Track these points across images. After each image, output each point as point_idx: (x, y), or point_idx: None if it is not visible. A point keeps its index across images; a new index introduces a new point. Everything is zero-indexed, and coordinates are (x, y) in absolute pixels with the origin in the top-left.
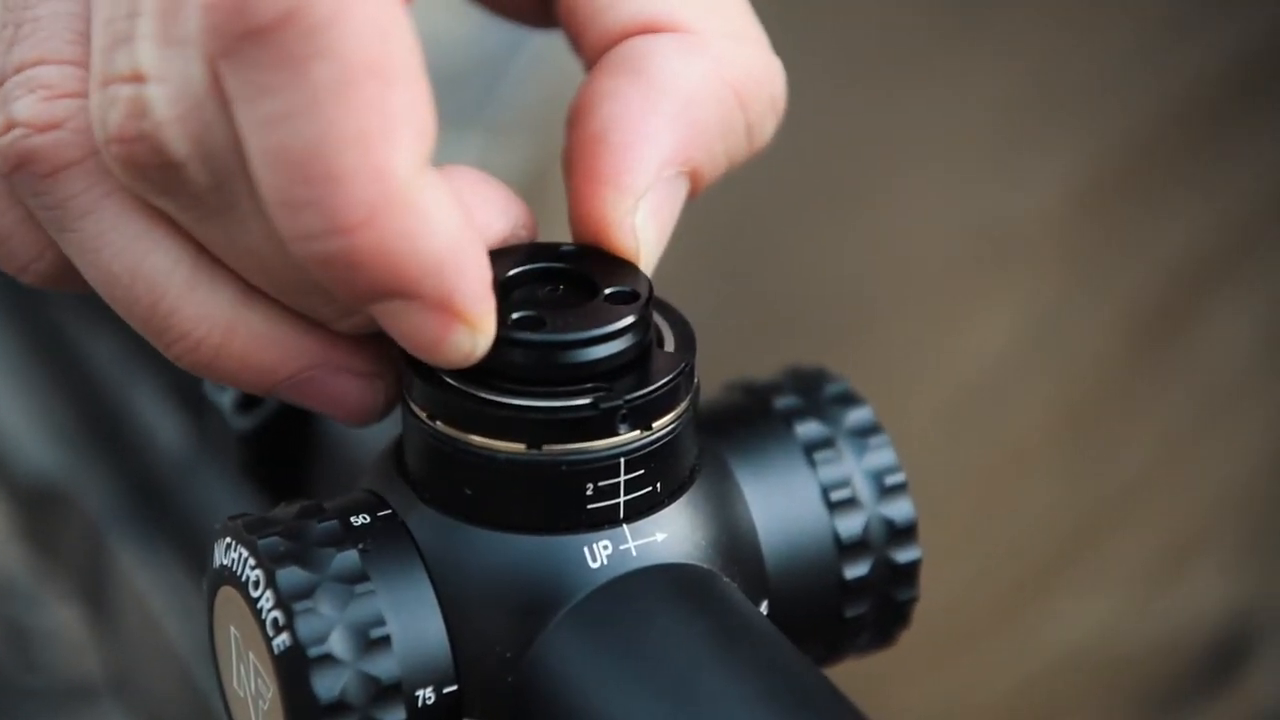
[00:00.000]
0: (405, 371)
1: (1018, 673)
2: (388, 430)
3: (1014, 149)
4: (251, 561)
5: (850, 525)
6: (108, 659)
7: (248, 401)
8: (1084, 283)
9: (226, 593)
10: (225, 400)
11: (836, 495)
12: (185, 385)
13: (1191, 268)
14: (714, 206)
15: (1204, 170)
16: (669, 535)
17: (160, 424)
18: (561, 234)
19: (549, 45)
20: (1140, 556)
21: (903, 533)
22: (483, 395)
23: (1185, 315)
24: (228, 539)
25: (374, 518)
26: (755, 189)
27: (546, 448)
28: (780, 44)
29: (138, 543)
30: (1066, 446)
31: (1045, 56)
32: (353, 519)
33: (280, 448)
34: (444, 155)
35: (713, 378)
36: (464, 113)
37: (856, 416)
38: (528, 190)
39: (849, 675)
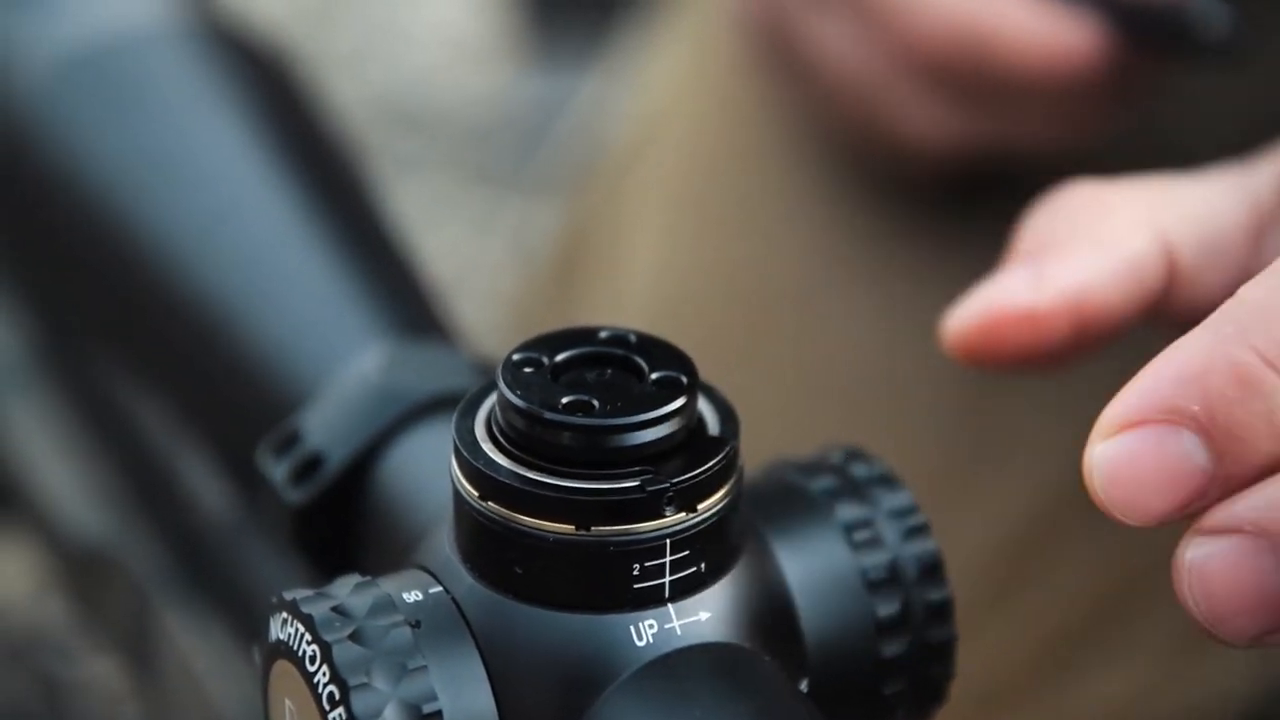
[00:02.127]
0: (455, 456)
1: None
2: (434, 507)
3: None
4: (307, 637)
5: (889, 605)
6: (151, 716)
7: (300, 475)
8: None
9: (282, 666)
10: (279, 473)
11: (875, 575)
12: (231, 454)
13: None
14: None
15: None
16: (713, 614)
17: (206, 490)
18: (596, 296)
19: (589, 108)
20: (1170, 628)
21: (939, 612)
22: (533, 476)
23: None
24: (284, 614)
25: (425, 594)
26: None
27: (595, 529)
28: None
29: (183, 607)
30: (1097, 517)
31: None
32: (405, 595)
33: (332, 522)
34: (483, 212)
35: (753, 456)
36: (502, 171)
37: (895, 499)
38: (564, 254)
39: None
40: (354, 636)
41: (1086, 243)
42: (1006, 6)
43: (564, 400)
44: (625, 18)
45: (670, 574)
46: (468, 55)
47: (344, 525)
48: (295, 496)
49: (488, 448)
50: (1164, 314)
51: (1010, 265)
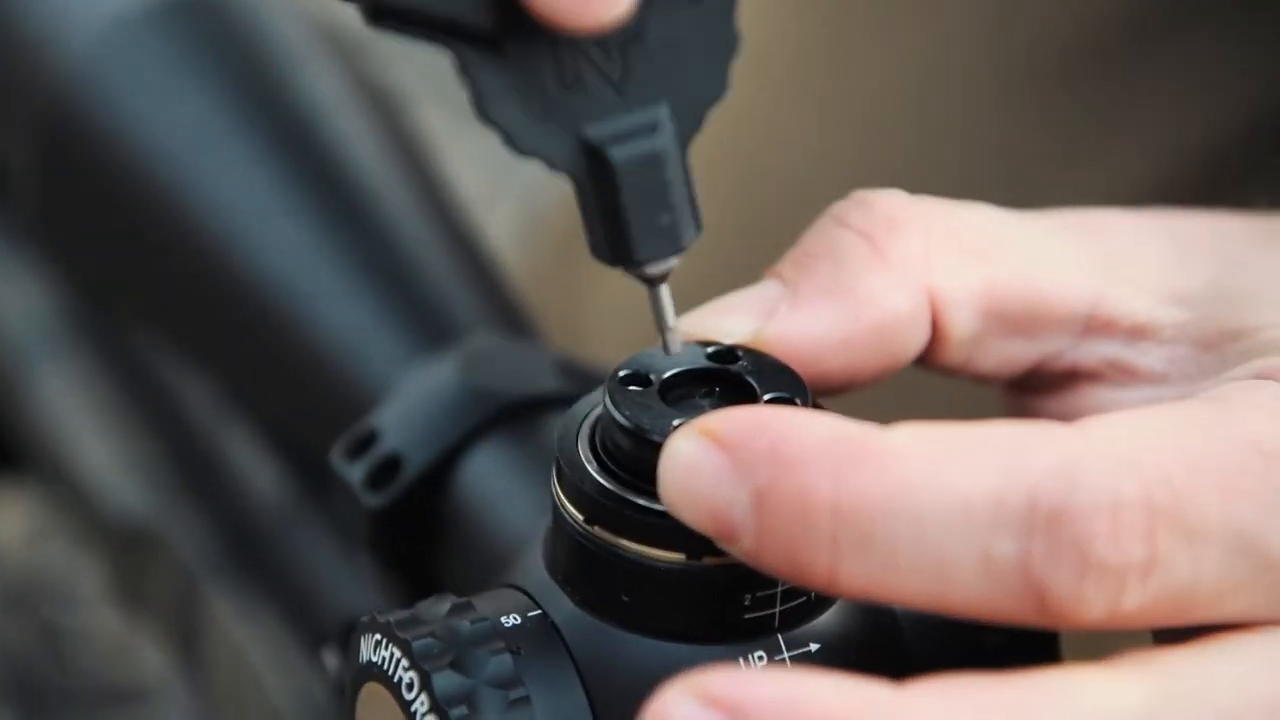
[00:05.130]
0: (557, 476)
1: None
2: (523, 519)
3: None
4: (405, 663)
5: (995, 634)
6: (198, 706)
7: (378, 477)
8: None
9: (373, 689)
10: (355, 475)
11: None
12: (293, 442)
13: None
14: None
15: None
16: (822, 645)
17: (255, 473)
18: (604, 274)
19: None
20: None
21: (1045, 639)
22: (643, 503)
23: None
24: (377, 635)
25: (525, 618)
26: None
27: (707, 559)
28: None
29: (233, 594)
30: None
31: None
32: (504, 619)
33: (410, 527)
34: (485, 148)
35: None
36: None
37: None
38: (570, 229)
39: None
40: (455, 664)
41: (836, 290)
42: None
43: (675, 423)
44: None
45: (781, 604)
46: None
47: (422, 530)
48: (373, 501)
49: (593, 469)
50: (948, 368)
51: (766, 279)
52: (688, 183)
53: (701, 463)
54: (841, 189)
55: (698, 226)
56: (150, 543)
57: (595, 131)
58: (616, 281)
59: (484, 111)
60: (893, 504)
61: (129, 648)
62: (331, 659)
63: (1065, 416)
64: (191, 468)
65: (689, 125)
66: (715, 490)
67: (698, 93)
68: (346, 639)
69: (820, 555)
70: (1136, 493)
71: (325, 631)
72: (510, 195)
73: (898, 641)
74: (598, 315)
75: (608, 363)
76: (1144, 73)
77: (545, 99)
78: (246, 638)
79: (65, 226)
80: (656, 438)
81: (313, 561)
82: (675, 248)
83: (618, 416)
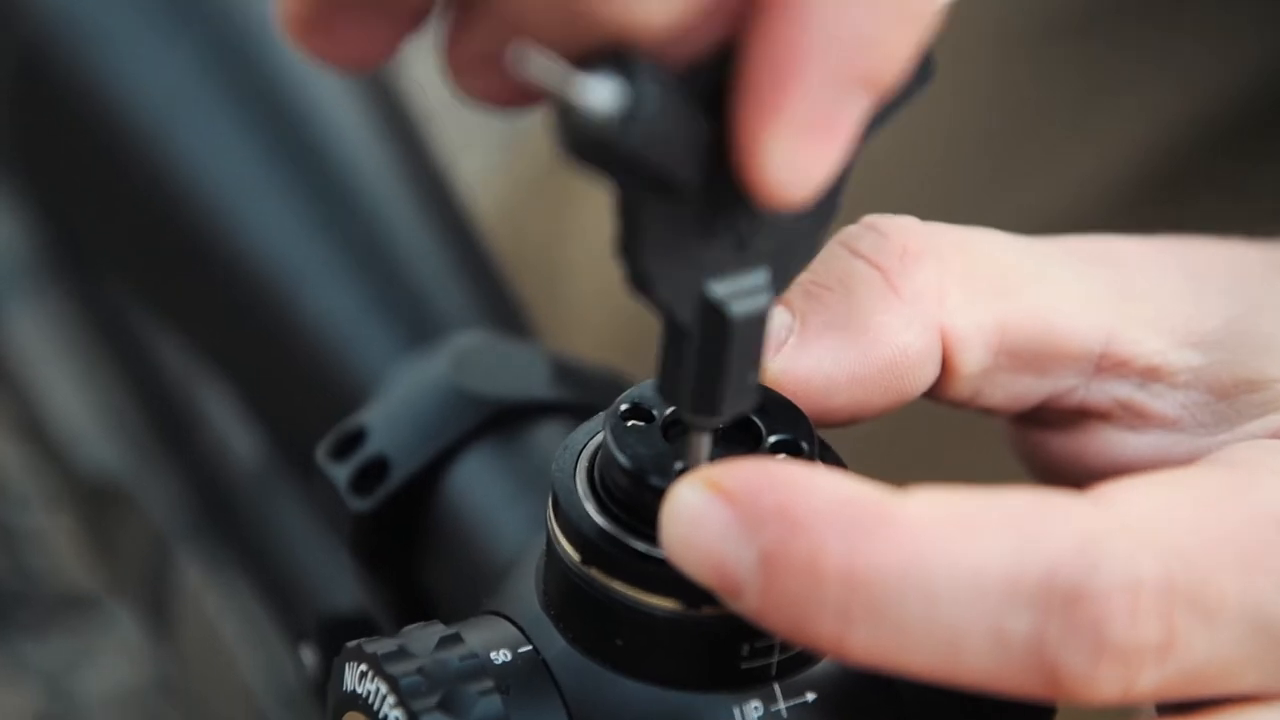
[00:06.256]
0: (553, 511)
1: None
2: (513, 535)
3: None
4: (391, 700)
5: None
6: (164, 665)
7: (363, 479)
8: None
9: (356, 718)
10: (340, 476)
11: None
12: (258, 405)
13: None
14: None
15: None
16: (819, 695)
17: (232, 436)
18: (583, 203)
19: None
20: None
21: None
22: (642, 549)
23: None
24: (362, 666)
25: (514, 654)
26: None
27: (705, 608)
28: None
29: (206, 562)
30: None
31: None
32: (494, 655)
33: (396, 533)
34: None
35: None
36: None
37: None
38: (549, 157)
39: None
40: (442, 705)
41: (847, 326)
42: None
43: (677, 466)
44: None
45: (779, 653)
46: None
47: (408, 536)
48: (359, 504)
49: (590, 507)
50: (956, 401)
51: (776, 306)
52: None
53: (706, 516)
54: None
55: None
56: (121, 500)
57: (719, 288)
58: (597, 212)
59: (630, 250)
60: (906, 576)
61: (147, 648)
62: (309, 656)
63: (1073, 454)
64: (166, 425)
65: (780, 286)
66: (720, 546)
67: (796, 256)
68: (325, 637)
69: (828, 622)
70: (1156, 574)
71: (303, 622)
72: (491, 131)
73: (894, 692)
74: (578, 245)
75: (601, 361)
76: (1144, 38)
77: (685, 249)
78: (219, 609)
79: (41, 166)
80: (658, 482)
81: (290, 540)
82: (751, 404)
83: (619, 457)
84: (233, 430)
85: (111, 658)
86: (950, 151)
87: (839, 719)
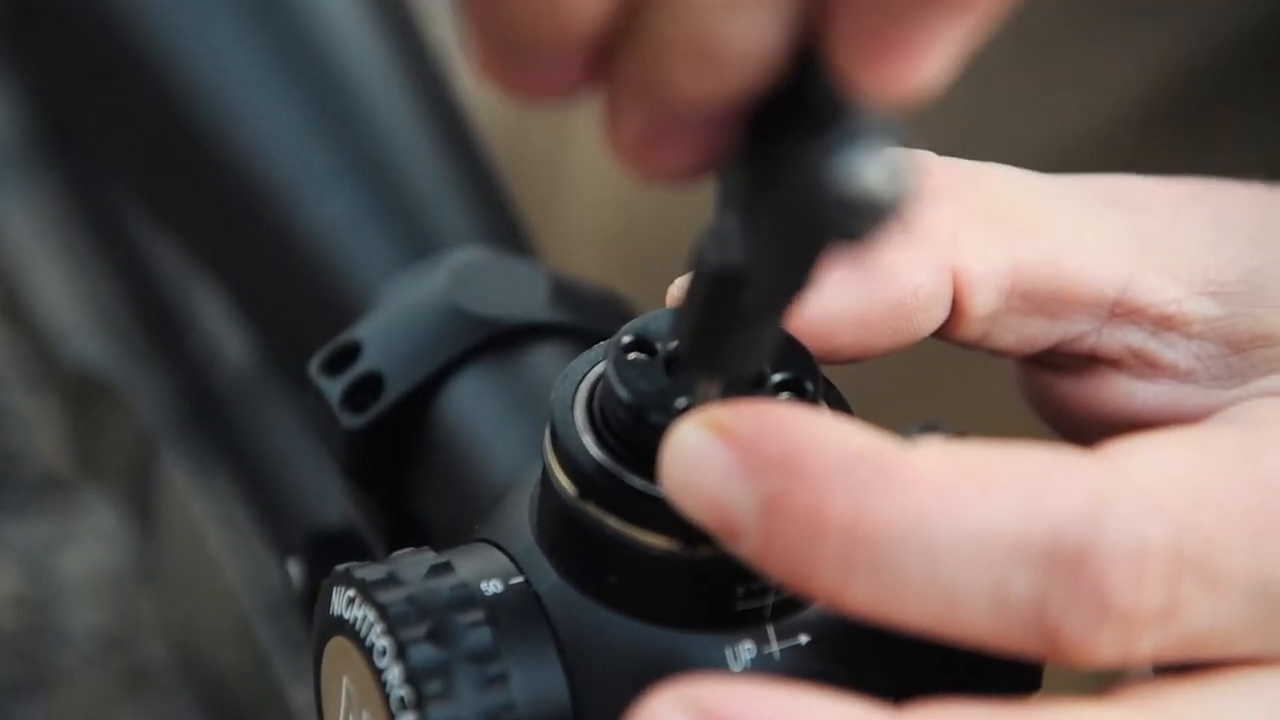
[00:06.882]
0: (551, 443)
1: None
2: (508, 460)
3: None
4: (379, 628)
5: None
6: (145, 557)
7: (357, 395)
8: None
9: (342, 644)
10: (333, 391)
11: None
12: (252, 300)
13: None
14: None
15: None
16: (812, 638)
17: (223, 340)
18: (593, 126)
19: None
20: None
21: None
22: (639, 486)
23: None
24: (350, 592)
25: (506, 586)
26: None
27: (702, 548)
28: None
29: (191, 463)
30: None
31: None
32: (484, 585)
33: (389, 452)
34: None
35: None
36: None
37: None
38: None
39: None
40: (431, 635)
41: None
42: None
43: (678, 403)
44: None
45: (773, 595)
46: None
47: (400, 456)
48: (351, 421)
49: (588, 440)
50: (964, 342)
51: None
52: None
53: (708, 458)
54: None
55: None
56: (108, 394)
57: None
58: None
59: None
60: (910, 532)
61: (130, 546)
62: (296, 569)
63: (1081, 399)
64: (157, 323)
65: None
66: (721, 488)
67: None
68: (313, 552)
69: (828, 572)
70: (1163, 539)
71: (290, 535)
72: None
73: (887, 636)
74: (579, 154)
75: (601, 273)
76: None
77: None
78: (204, 513)
79: (37, 55)
80: (658, 419)
81: (279, 450)
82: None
83: (620, 391)
84: (224, 334)
85: (91, 541)
86: (975, 68)
87: (832, 662)
